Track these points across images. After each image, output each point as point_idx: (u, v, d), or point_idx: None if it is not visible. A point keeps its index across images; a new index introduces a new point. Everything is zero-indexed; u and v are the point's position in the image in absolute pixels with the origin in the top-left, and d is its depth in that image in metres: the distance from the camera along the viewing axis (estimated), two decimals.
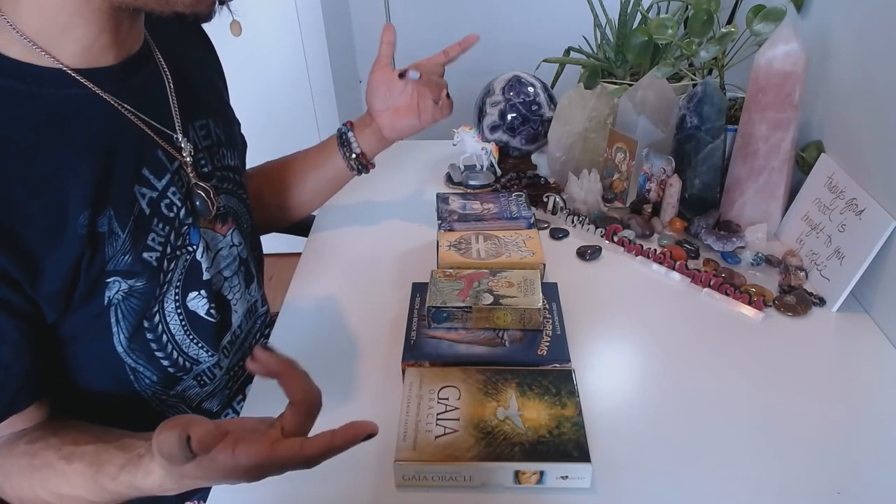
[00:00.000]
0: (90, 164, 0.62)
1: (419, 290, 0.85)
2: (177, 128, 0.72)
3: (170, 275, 0.70)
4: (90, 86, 0.63)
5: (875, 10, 0.86)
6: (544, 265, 0.89)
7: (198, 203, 0.73)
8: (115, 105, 0.65)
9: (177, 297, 0.72)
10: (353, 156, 0.96)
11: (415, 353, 0.74)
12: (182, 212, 0.71)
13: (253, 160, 1.06)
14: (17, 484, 0.63)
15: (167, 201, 0.69)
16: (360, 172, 0.98)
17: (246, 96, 2.14)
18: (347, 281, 0.94)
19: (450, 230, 0.96)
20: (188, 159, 0.72)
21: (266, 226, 1.01)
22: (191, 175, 0.73)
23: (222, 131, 0.81)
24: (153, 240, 0.68)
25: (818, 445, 0.67)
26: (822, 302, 0.86)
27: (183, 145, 0.72)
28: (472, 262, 0.87)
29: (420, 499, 0.62)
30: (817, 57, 0.98)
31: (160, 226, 0.69)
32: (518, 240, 0.93)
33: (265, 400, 0.74)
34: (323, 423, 0.70)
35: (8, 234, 0.57)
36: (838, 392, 0.73)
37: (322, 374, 0.77)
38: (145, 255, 0.67)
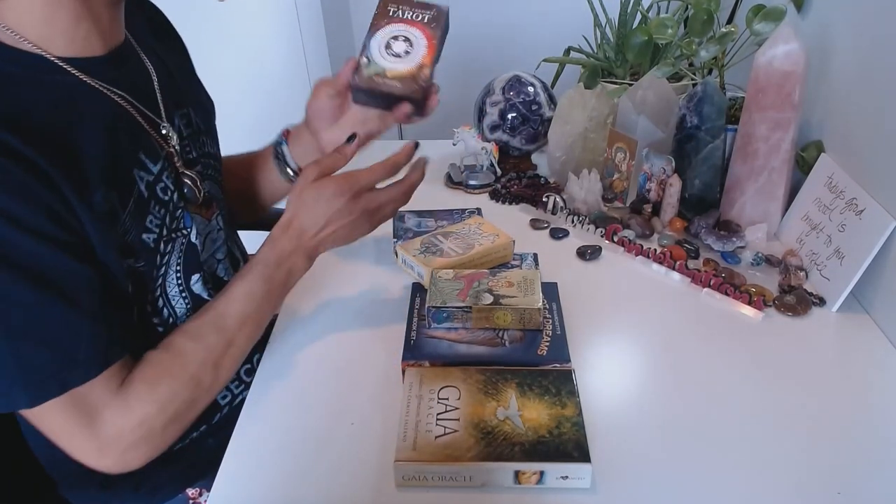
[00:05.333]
0: (97, 145, 0.64)
1: (419, 290, 0.85)
2: (163, 117, 0.74)
3: (167, 257, 0.73)
4: (81, 75, 0.65)
5: (875, 10, 0.86)
6: (514, 241, 0.91)
7: (185, 190, 0.75)
8: (108, 93, 0.67)
9: (180, 281, 0.75)
10: (291, 173, 0.92)
11: (415, 353, 0.74)
12: (175, 195, 0.73)
13: None
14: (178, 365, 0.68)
15: (162, 185, 0.72)
16: None
17: (246, 96, 2.15)
18: (347, 280, 0.94)
19: (408, 240, 0.94)
20: (175, 147, 0.75)
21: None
22: (177, 164, 0.75)
23: (201, 120, 0.83)
24: (151, 222, 0.70)
25: (818, 445, 0.67)
26: (822, 302, 0.86)
27: (170, 134, 0.74)
28: (455, 261, 0.86)
29: (420, 499, 0.62)
30: (817, 57, 0.98)
31: (157, 208, 0.71)
32: (472, 229, 0.93)
33: (270, 383, 0.74)
34: (323, 423, 0.71)
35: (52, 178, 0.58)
36: (838, 392, 0.73)
37: (322, 373, 0.77)
38: (144, 236, 0.69)
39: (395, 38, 0.78)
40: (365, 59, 0.77)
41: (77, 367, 0.60)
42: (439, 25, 0.79)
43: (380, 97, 0.78)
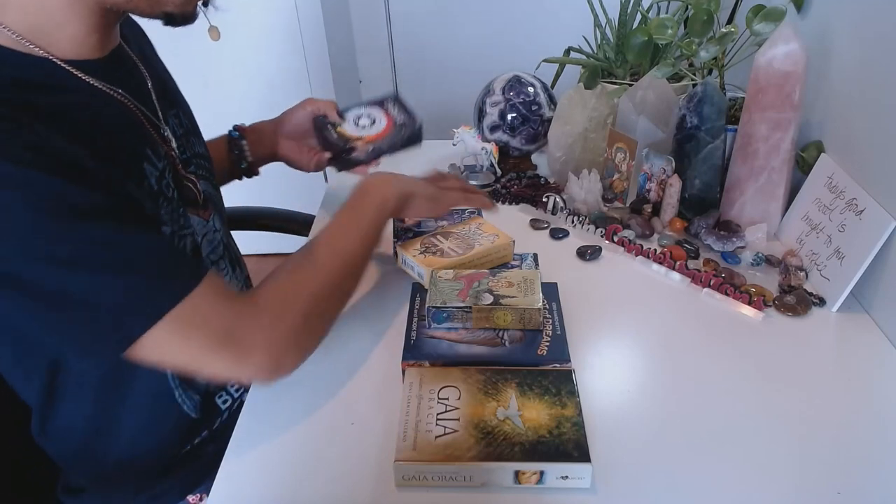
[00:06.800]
0: (115, 143, 0.64)
1: (419, 290, 0.85)
2: (160, 118, 0.75)
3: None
4: (87, 78, 0.64)
5: (875, 10, 0.86)
6: (514, 241, 0.91)
7: (185, 192, 0.75)
8: (112, 92, 0.67)
9: None
10: (243, 165, 1.01)
11: (415, 353, 0.74)
12: (176, 194, 0.73)
13: None
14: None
15: (165, 181, 0.72)
16: (241, 178, 1.04)
17: (246, 96, 2.15)
18: None
19: (408, 240, 0.94)
20: (175, 150, 0.75)
21: None
22: (178, 165, 0.75)
23: (188, 120, 0.84)
24: (164, 215, 0.70)
25: (818, 445, 0.67)
26: (822, 302, 0.86)
27: (168, 136, 0.75)
28: (455, 261, 0.86)
29: (420, 499, 0.62)
30: (817, 57, 0.98)
31: (164, 204, 0.71)
32: (472, 228, 0.93)
33: (265, 398, 0.74)
34: (323, 422, 0.71)
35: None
36: (838, 392, 0.73)
37: (322, 374, 0.77)
38: (164, 228, 0.69)
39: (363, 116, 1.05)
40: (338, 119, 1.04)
41: (178, 279, 0.59)
42: (407, 126, 1.03)
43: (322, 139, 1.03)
